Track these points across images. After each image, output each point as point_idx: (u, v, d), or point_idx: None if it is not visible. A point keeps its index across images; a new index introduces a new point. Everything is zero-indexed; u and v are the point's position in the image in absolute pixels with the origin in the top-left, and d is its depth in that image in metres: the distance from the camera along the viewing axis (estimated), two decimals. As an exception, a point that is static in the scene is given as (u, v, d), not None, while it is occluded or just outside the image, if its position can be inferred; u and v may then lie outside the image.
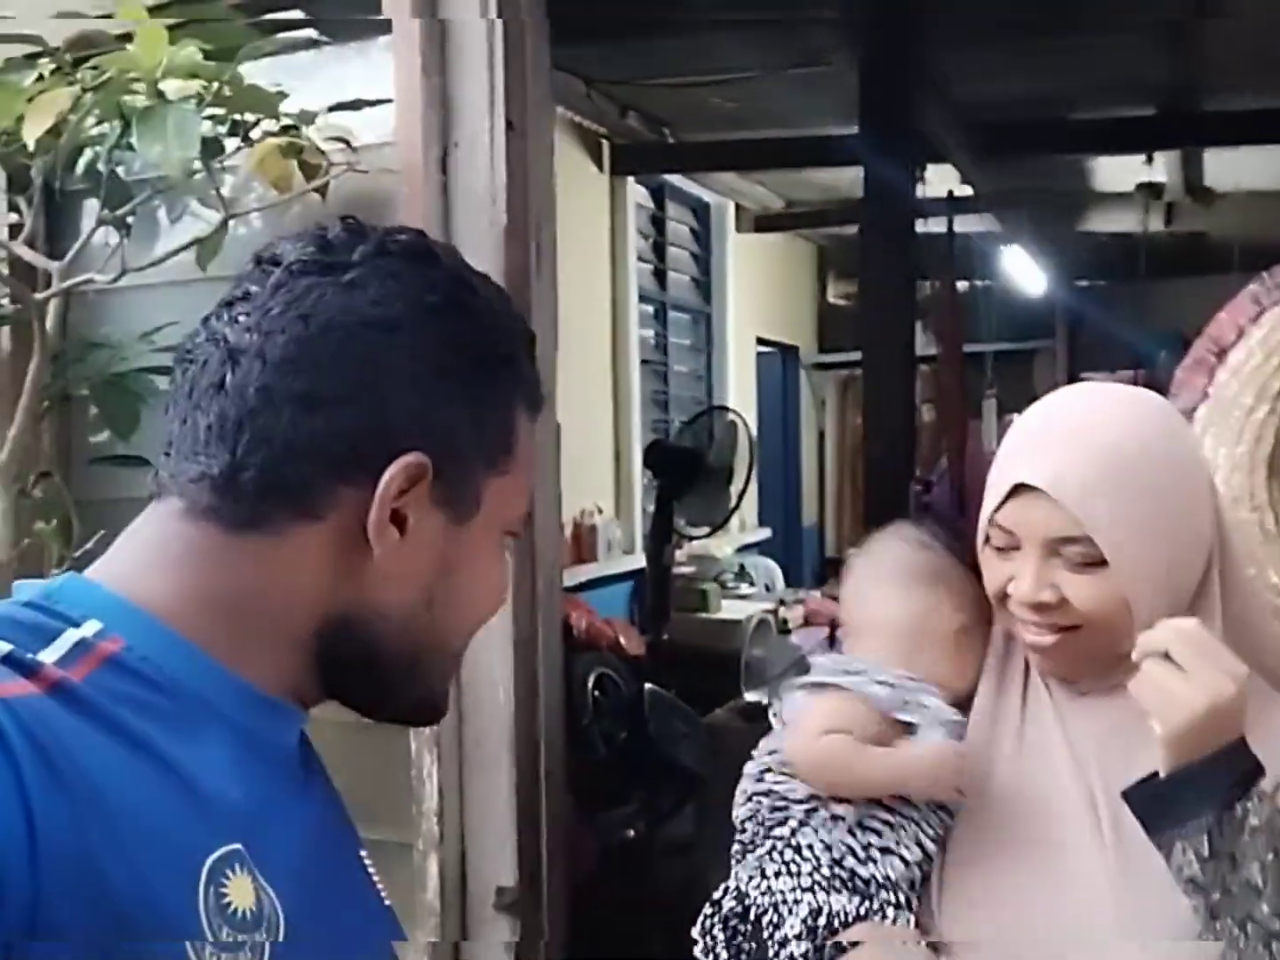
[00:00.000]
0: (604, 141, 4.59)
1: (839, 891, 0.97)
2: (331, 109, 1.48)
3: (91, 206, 1.59)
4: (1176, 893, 0.91)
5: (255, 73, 1.43)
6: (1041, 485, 0.97)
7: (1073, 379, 5.86)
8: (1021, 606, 1.00)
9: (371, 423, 0.65)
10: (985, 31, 3.54)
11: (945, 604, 1.06)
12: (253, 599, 0.66)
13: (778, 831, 1.01)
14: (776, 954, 0.97)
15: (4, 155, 1.49)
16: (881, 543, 1.13)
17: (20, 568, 1.51)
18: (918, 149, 3.75)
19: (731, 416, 4.03)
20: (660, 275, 5.34)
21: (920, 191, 4.04)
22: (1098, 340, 6.63)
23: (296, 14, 1.61)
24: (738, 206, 5.88)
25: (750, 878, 1.01)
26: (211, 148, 1.42)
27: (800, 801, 1.00)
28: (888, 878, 0.97)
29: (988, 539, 1.03)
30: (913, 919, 0.99)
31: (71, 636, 0.61)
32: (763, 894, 0.99)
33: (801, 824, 1.00)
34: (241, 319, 0.66)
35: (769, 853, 1.01)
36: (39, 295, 1.54)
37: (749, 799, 1.03)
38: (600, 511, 4.56)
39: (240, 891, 0.61)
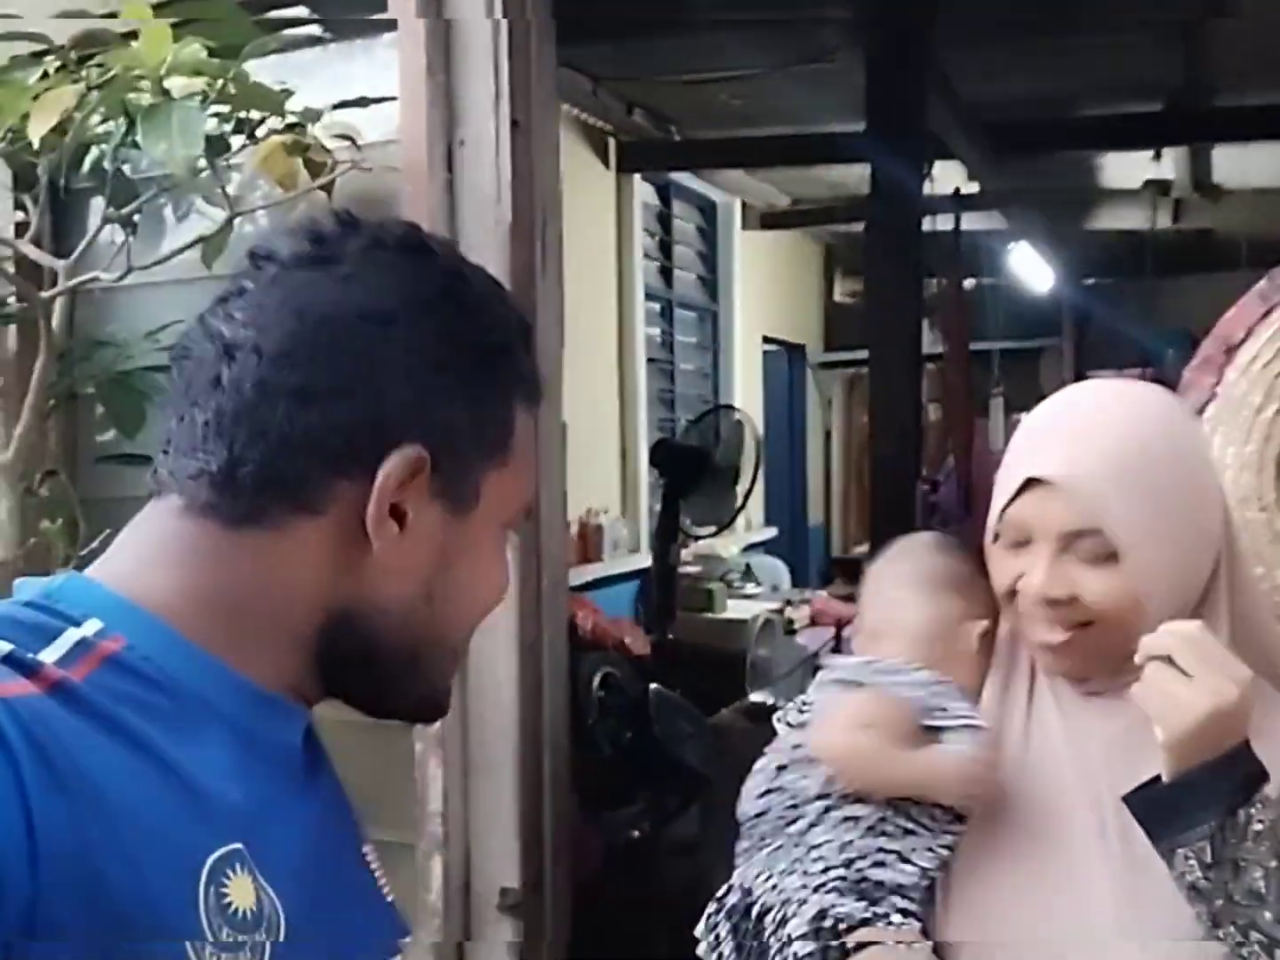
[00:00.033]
0: (610, 139, 4.58)
1: (848, 894, 0.96)
2: (336, 106, 1.48)
3: (97, 205, 1.59)
4: (1182, 898, 0.90)
5: (260, 70, 1.43)
6: (1056, 478, 0.97)
7: (1080, 377, 5.85)
8: (1032, 603, 1.00)
9: (368, 416, 0.65)
10: (993, 28, 3.53)
11: (968, 610, 1.06)
12: (253, 595, 0.66)
13: (790, 829, 1.00)
14: (780, 952, 0.96)
15: (10, 153, 1.49)
16: (905, 548, 1.12)
17: (26, 566, 1.51)
18: (925, 146, 3.74)
19: (738, 415, 4.03)
20: (666, 273, 5.34)
21: (927, 189, 4.03)
22: (1105, 338, 6.62)
23: (301, 11, 1.61)
24: (744, 204, 5.88)
25: (758, 874, 1.01)
26: (216, 145, 1.42)
27: (815, 800, 1.00)
28: (899, 884, 0.97)
29: (997, 536, 1.02)
30: (918, 926, 0.98)
31: (72, 636, 0.61)
32: (770, 891, 0.99)
33: (815, 823, 0.99)
34: (237, 315, 0.66)
35: (779, 849, 1.00)
36: (45, 294, 1.54)
37: (762, 794, 1.03)
38: (606, 511, 4.56)
39: (241, 891, 0.61)
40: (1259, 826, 0.88)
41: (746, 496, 3.92)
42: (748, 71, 3.90)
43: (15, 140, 1.42)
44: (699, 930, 1.04)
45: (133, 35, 1.38)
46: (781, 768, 1.03)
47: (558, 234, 1.61)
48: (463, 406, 0.68)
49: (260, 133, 1.46)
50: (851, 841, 0.98)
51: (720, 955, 1.01)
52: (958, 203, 4.94)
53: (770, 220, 6.13)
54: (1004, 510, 1.01)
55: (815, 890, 0.97)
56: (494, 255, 1.50)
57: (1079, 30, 3.49)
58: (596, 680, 3.29)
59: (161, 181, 1.47)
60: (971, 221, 5.31)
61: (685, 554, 4.59)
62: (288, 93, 1.45)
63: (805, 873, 0.98)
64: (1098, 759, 1.01)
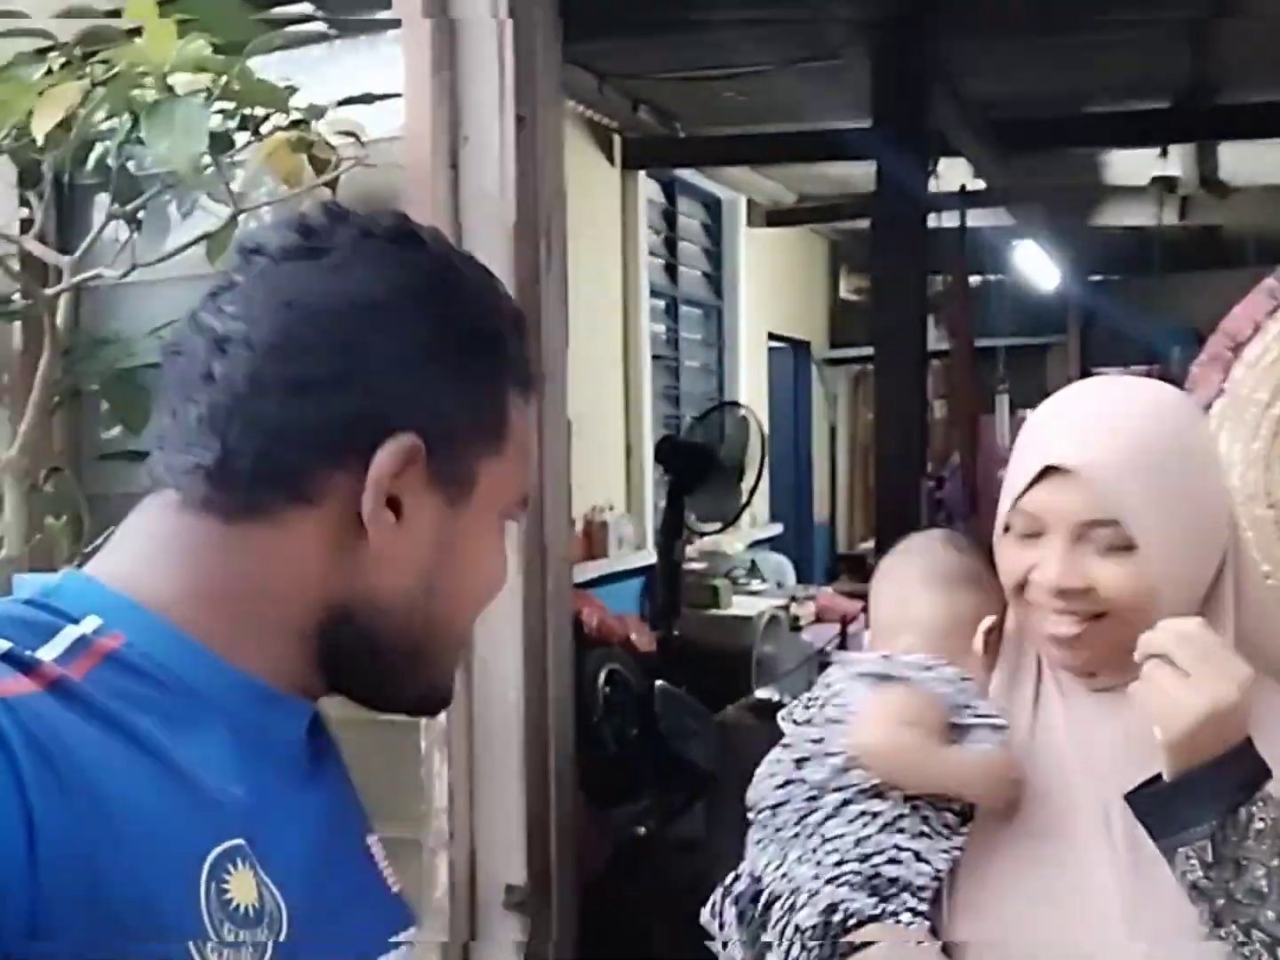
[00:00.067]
0: (615, 136, 4.58)
1: (860, 889, 0.96)
2: (341, 103, 1.48)
3: (101, 201, 1.59)
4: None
5: (265, 67, 1.42)
6: (1074, 466, 0.96)
7: (1085, 374, 5.84)
8: (1046, 594, 0.99)
9: (361, 406, 0.65)
10: (999, 25, 3.52)
11: (979, 607, 1.06)
12: (251, 589, 0.66)
13: (807, 820, 1.00)
14: (787, 941, 0.96)
15: (14, 150, 1.49)
16: (915, 544, 1.12)
17: (31, 562, 1.51)
18: (931, 143, 3.73)
19: (743, 412, 4.02)
20: (671, 270, 5.34)
21: (933, 186, 4.02)
22: (1111, 335, 6.61)
23: (306, 8, 1.60)
24: (750, 201, 5.87)
25: (769, 863, 1.00)
26: (221, 142, 1.42)
27: (833, 793, 1.00)
28: (912, 883, 0.97)
29: (1008, 528, 1.02)
30: (927, 925, 0.98)
31: (71, 634, 0.61)
32: (781, 879, 0.99)
33: (831, 816, 0.99)
34: (227, 309, 0.66)
35: (793, 839, 1.00)
36: (49, 290, 1.54)
37: (780, 786, 1.02)
38: (611, 507, 4.56)
39: (242, 887, 0.60)
40: (1260, 825, 0.88)
41: (751, 493, 3.92)
42: (753, 68, 3.89)
43: (20, 137, 1.42)
44: (704, 914, 1.03)
45: (137, 32, 1.38)
46: (801, 761, 1.02)
47: (562, 231, 1.61)
48: (456, 394, 0.68)
49: (265, 129, 1.46)
50: (869, 837, 0.98)
51: (725, 941, 1.01)
52: (964, 200, 4.93)
53: (776, 217, 6.13)
54: (1017, 501, 1.00)
55: (828, 883, 0.97)
56: (498, 252, 1.49)
57: (1086, 27, 3.48)
58: (602, 677, 3.30)
59: (166, 178, 1.47)
60: (977, 218, 5.30)
61: (690, 550, 4.59)
62: (292, 89, 1.45)
63: (818, 864, 0.98)
64: (1104, 756, 1.01)
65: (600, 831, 2.81)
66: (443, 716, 1.53)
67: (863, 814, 0.98)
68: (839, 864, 0.97)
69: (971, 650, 1.04)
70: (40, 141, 1.36)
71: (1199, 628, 0.91)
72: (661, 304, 5.23)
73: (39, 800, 0.53)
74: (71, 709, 0.57)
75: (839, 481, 7.61)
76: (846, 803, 0.99)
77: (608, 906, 2.43)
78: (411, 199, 1.49)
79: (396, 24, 1.51)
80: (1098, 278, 7.06)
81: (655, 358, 5.00)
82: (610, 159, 4.60)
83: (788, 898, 0.97)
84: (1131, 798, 0.92)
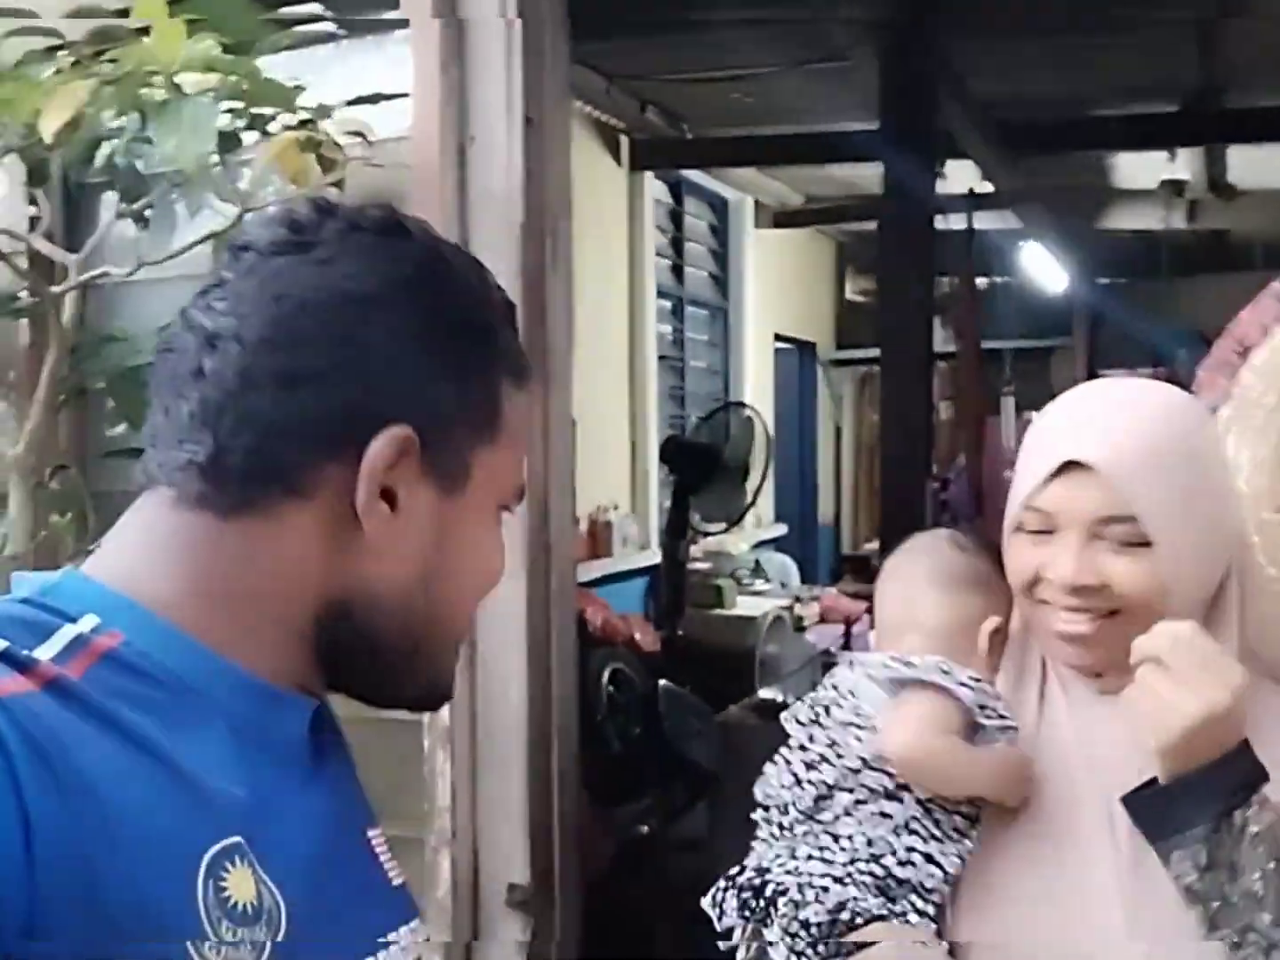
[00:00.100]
0: (623, 136, 4.58)
1: (869, 889, 0.96)
2: (349, 103, 1.48)
3: (109, 200, 1.59)
4: None
5: (273, 66, 1.43)
6: (1092, 462, 0.96)
7: (1091, 376, 5.82)
8: (1059, 592, 0.99)
9: (353, 398, 0.65)
10: (1007, 28, 3.52)
11: (986, 608, 1.05)
12: (248, 584, 0.65)
13: (819, 817, 1.00)
14: (793, 936, 0.96)
15: (23, 148, 1.49)
16: (923, 544, 1.12)
17: (36, 560, 1.52)
18: (938, 145, 3.73)
19: (748, 412, 4.02)
20: (678, 271, 5.34)
21: (940, 187, 4.02)
22: (1118, 338, 6.60)
23: (314, 8, 1.61)
24: (757, 202, 5.87)
25: (776, 857, 1.00)
26: (228, 141, 1.42)
27: (845, 792, 1.00)
28: (922, 884, 0.97)
29: (1019, 526, 1.02)
30: (934, 928, 0.98)
31: (68, 632, 0.61)
32: (787, 874, 0.99)
33: (844, 815, 0.99)
34: (217, 305, 0.66)
35: (803, 836, 1.00)
36: (56, 288, 1.54)
37: (792, 785, 1.02)
38: (616, 507, 4.56)
39: (240, 885, 0.60)
40: (1256, 829, 0.88)
41: (756, 493, 3.92)
42: (761, 70, 3.89)
43: (29, 135, 1.43)
44: (705, 901, 1.03)
45: (145, 31, 1.38)
46: (813, 763, 1.02)
47: (568, 232, 1.61)
48: (448, 384, 0.68)
49: (272, 129, 1.46)
50: (881, 837, 0.98)
51: (724, 929, 1.01)
52: (971, 202, 4.92)
53: (783, 218, 6.13)
54: (1031, 498, 1.00)
55: (837, 881, 0.97)
56: (505, 252, 1.50)
57: (1094, 30, 3.48)
58: (605, 676, 3.30)
59: (173, 177, 1.47)
60: (984, 220, 5.29)
61: (695, 550, 4.59)
62: (300, 89, 1.45)
63: (827, 861, 0.98)
64: (1108, 758, 1.01)
65: (603, 831, 2.81)
66: (446, 715, 1.53)
67: (875, 814, 0.98)
68: (850, 863, 0.97)
69: (977, 651, 1.04)
70: (48, 140, 1.37)
71: (1192, 631, 0.91)
72: (668, 304, 5.23)
73: (36, 800, 0.53)
74: (69, 708, 0.57)
75: (844, 482, 7.60)
76: (859, 803, 0.99)
77: (611, 906, 2.43)
78: (418, 199, 1.49)
79: (404, 24, 1.51)
80: (1105, 280, 7.05)
81: (661, 358, 5.00)
82: (617, 159, 4.60)
83: (795, 893, 0.97)
84: (1127, 800, 0.93)
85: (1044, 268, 6.45)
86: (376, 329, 0.66)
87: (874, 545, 6.28)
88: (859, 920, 0.96)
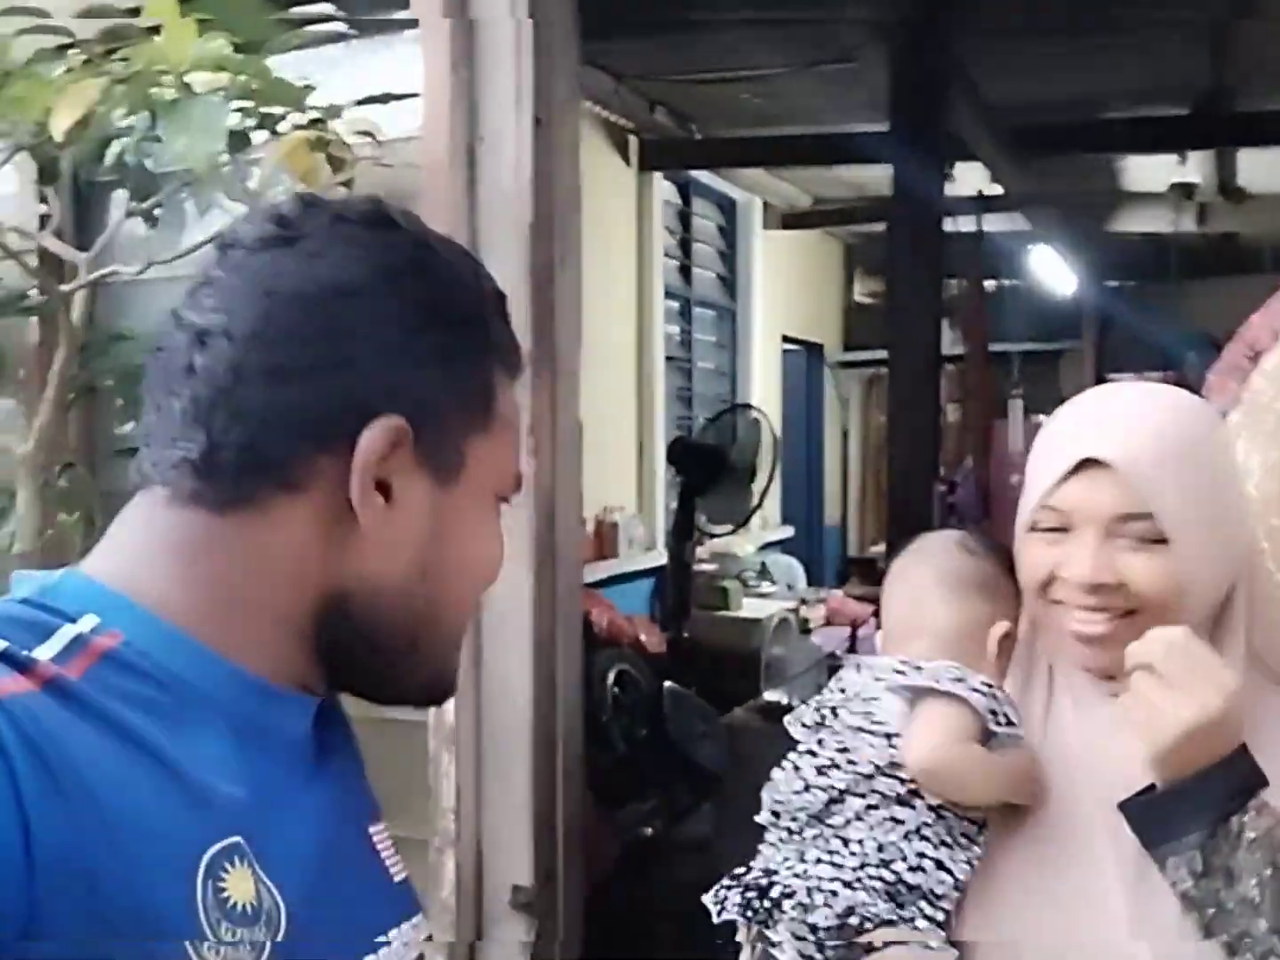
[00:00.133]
0: (631, 137, 4.58)
1: (879, 895, 0.96)
2: (359, 103, 1.48)
3: (119, 198, 1.60)
4: None
5: (282, 66, 1.43)
6: (1110, 459, 0.96)
7: (1100, 380, 5.81)
8: (1075, 591, 0.98)
9: (343, 389, 0.65)
10: (1017, 30, 3.51)
11: (994, 612, 1.05)
12: (246, 581, 0.65)
13: (829, 822, 1.00)
14: (801, 938, 0.96)
15: (33, 146, 1.50)
16: (931, 546, 1.11)
17: (44, 557, 1.52)
18: (947, 147, 3.72)
19: (755, 414, 4.03)
20: (686, 271, 5.34)
21: (948, 189, 4.01)
22: (1126, 341, 6.59)
23: (325, 7, 1.61)
24: (766, 204, 5.87)
25: (785, 859, 1.00)
26: (238, 140, 1.43)
27: (857, 797, 0.99)
28: (932, 890, 0.96)
29: (1033, 525, 1.01)
30: (943, 935, 0.98)
31: (68, 632, 0.61)
32: (796, 876, 0.98)
33: (854, 819, 0.99)
34: (206, 302, 0.66)
35: (813, 839, 1.00)
36: (65, 287, 1.55)
37: (801, 790, 1.02)
38: (622, 508, 4.56)
39: (239, 885, 0.60)
40: (1253, 835, 0.87)
41: (763, 495, 3.92)
42: (770, 70, 3.89)
43: (39, 134, 1.43)
44: (707, 896, 1.03)
45: (156, 30, 1.38)
46: (824, 768, 1.02)
47: (577, 232, 1.61)
48: (439, 374, 0.68)
49: (282, 128, 1.46)
50: (892, 843, 0.98)
51: (731, 922, 1.01)
52: (980, 204, 4.92)
53: (791, 220, 6.12)
54: (1047, 497, 1.00)
55: (846, 885, 0.97)
56: (514, 252, 1.50)
57: (1105, 32, 3.47)
58: (611, 677, 3.29)
59: (183, 176, 1.48)
60: (993, 223, 5.28)
61: (701, 552, 4.59)
62: (309, 88, 1.45)
63: (836, 865, 0.97)
64: (1114, 762, 1.00)
65: (608, 832, 2.81)
66: (451, 716, 1.53)
67: (886, 820, 0.98)
68: (859, 867, 0.97)
69: (985, 655, 1.04)
70: (59, 138, 1.37)
71: (1185, 637, 0.90)
72: (675, 305, 5.23)
73: (34, 801, 0.53)
74: (68, 708, 0.57)
75: (850, 485, 7.60)
76: (871, 808, 0.99)
77: (614, 907, 2.43)
78: (428, 199, 1.49)
79: (414, 24, 1.51)
80: (1114, 283, 7.03)
81: (668, 359, 5.00)
82: (626, 160, 4.60)
83: (803, 896, 0.97)
84: (1124, 806, 0.92)
85: (1053, 270, 6.44)
86: (365, 320, 0.65)
87: (880, 548, 6.27)
88: (868, 925, 0.95)
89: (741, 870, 1.02)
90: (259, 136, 1.47)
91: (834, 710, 1.05)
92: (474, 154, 1.52)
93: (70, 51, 1.46)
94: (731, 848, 1.09)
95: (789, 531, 6.31)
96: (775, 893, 0.99)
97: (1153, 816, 0.91)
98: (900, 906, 0.96)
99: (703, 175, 5.32)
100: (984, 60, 3.68)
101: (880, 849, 0.97)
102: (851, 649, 4.88)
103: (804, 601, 5.24)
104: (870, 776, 0.99)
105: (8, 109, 1.42)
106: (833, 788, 1.00)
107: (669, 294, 5.01)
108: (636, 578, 4.57)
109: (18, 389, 1.70)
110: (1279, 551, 1.09)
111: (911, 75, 3.46)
